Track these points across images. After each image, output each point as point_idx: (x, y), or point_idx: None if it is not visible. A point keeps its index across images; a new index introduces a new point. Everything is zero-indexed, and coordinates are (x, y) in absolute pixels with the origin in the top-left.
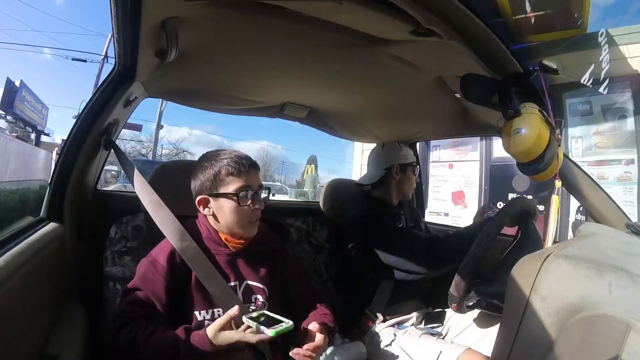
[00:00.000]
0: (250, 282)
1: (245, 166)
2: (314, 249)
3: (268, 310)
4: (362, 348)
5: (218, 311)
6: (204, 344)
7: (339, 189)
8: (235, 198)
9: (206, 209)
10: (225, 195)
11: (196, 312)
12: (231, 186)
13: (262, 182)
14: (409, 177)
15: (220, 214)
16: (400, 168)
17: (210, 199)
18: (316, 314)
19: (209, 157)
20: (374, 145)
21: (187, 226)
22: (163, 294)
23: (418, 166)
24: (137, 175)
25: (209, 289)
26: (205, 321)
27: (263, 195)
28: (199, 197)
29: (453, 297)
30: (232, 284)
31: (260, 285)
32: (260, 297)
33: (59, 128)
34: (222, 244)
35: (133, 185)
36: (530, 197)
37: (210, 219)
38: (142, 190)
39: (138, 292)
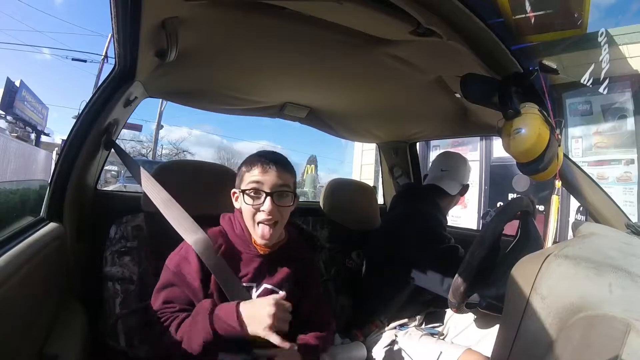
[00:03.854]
0: (267, 285)
1: (259, 164)
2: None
3: None
4: (362, 349)
5: None
6: (231, 317)
7: (340, 189)
8: (243, 195)
9: (236, 203)
10: (241, 191)
11: None
12: (244, 183)
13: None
14: (461, 200)
15: (241, 210)
16: (463, 188)
17: (238, 193)
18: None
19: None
20: (373, 145)
21: (224, 220)
22: (200, 289)
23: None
24: (143, 174)
25: (218, 279)
26: None
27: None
28: (232, 190)
29: (452, 303)
30: (249, 284)
31: (276, 290)
32: None
33: (59, 128)
34: (249, 243)
35: (140, 184)
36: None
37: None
38: (151, 189)
39: (172, 289)
